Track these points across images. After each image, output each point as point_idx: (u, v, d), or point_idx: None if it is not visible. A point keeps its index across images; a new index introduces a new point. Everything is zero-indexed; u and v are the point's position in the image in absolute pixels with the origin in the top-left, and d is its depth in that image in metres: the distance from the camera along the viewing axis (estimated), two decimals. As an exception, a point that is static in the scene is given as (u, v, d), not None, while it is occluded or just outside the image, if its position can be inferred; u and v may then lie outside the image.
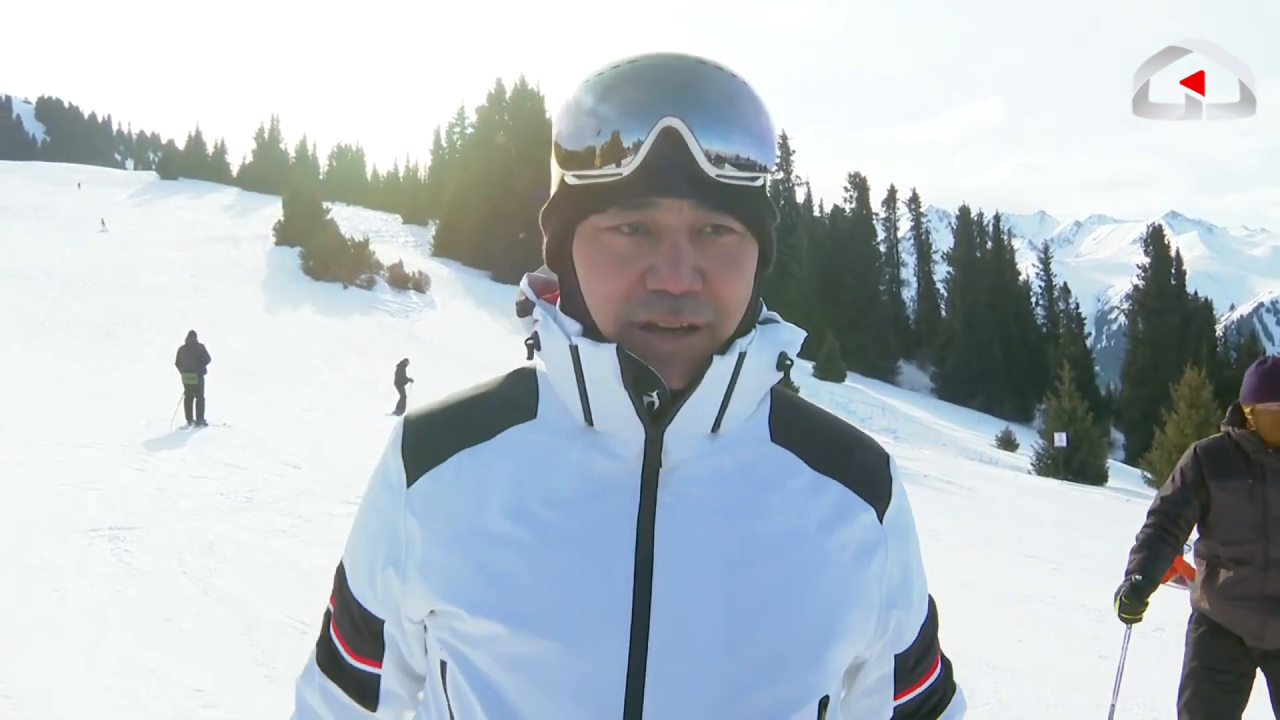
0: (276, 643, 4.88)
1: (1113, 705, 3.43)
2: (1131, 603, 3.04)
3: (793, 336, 0.85)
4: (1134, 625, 3.20)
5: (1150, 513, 3.21)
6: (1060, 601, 7.16)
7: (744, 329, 0.83)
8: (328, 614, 0.97)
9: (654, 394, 0.79)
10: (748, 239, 0.80)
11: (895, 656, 0.92)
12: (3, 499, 8.11)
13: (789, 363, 0.85)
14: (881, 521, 0.88)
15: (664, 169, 0.75)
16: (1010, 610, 6.87)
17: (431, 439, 0.87)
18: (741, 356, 0.80)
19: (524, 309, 0.86)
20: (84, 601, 5.50)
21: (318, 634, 0.99)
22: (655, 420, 0.80)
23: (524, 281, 0.89)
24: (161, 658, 4.66)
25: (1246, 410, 3.04)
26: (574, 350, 0.79)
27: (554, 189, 0.83)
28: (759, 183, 0.80)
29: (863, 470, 0.89)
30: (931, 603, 0.98)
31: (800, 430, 0.89)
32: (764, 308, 0.87)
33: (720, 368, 0.79)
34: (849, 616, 0.84)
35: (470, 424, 0.86)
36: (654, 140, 0.74)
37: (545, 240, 0.85)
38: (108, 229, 41.19)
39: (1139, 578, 3.06)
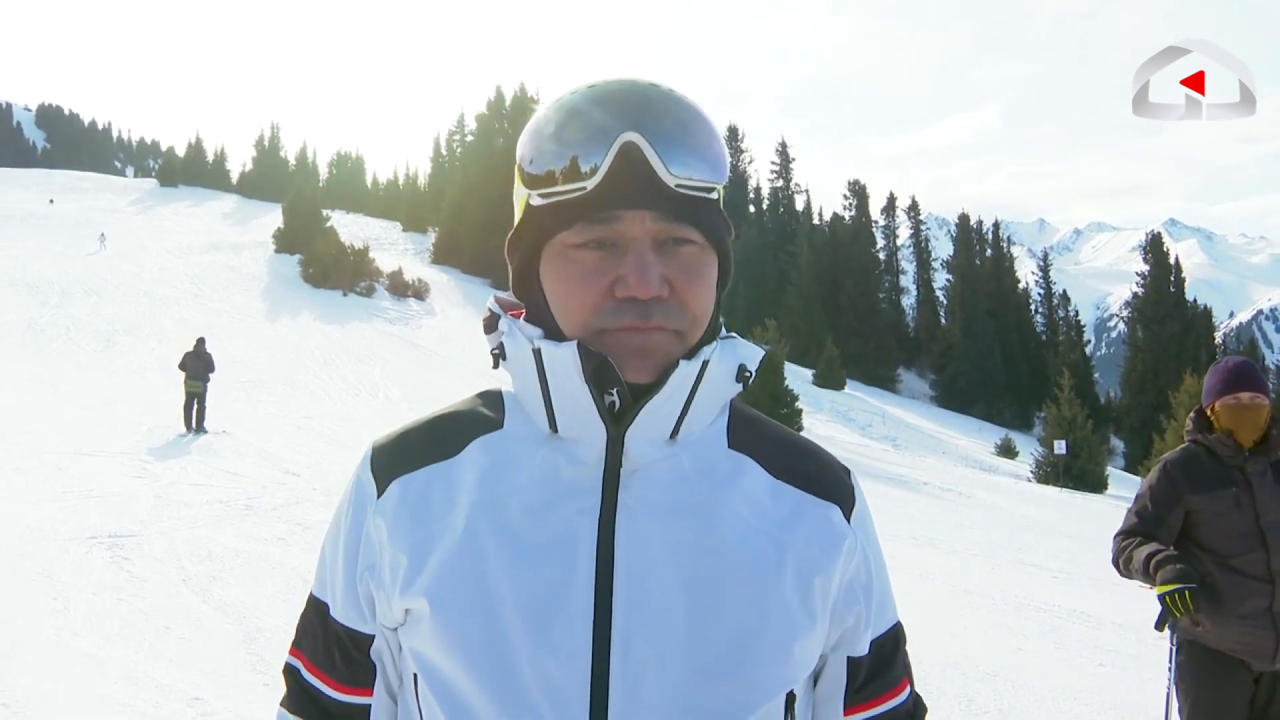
0: (275, 651, 4.88)
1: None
2: (1185, 582, 2.64)
3: (751, 352, 0.89)
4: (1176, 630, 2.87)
5: (1121, 534, 2.97)
6: (1060, 609, 7.15)
7: (707, 339, 0.86)
8: (291, 670, 0.95)
9: (614, 392, 0.81)
10: (707, 250, 0.84)
11: (848, 659, 0.91)
12: (2, 507, 8.11)
13: (748, 375, 0.88)
14: (849, 521, 0.90)
15: (626, 182, 0.79)
16: (1010, 618, 6.86)
17: (401, 457, 0.89)
18: (705, 364, 0.83)
19: (490, 325, 0.89)
20: (83, 609, 5.50)
21: (281, 696, 0.96)
22: (616, 421, 0.82)
23: (491, 299, 0.92)
24: (160, 666, 4.66)
25: (1210, 412, 2.94)
26: (537, 354, 0.83)
27: (519, 213, 0.87)
28: (714, 195, 0.84)
29: (821, 478, 0.91)
30: (899, 627, 0.96)
31: (758, 439, 0.91)
32: (723, 327, 0.91)
33: (685, 371, 0.82)
34: (813, 607, 0.84)
35: (438, 442, 0.89)
36: (615, 155, 0.79)
37: (511, 267, 0.89)
38: (106, 247, 38.67)
39: (1174, 559, 2.70)
